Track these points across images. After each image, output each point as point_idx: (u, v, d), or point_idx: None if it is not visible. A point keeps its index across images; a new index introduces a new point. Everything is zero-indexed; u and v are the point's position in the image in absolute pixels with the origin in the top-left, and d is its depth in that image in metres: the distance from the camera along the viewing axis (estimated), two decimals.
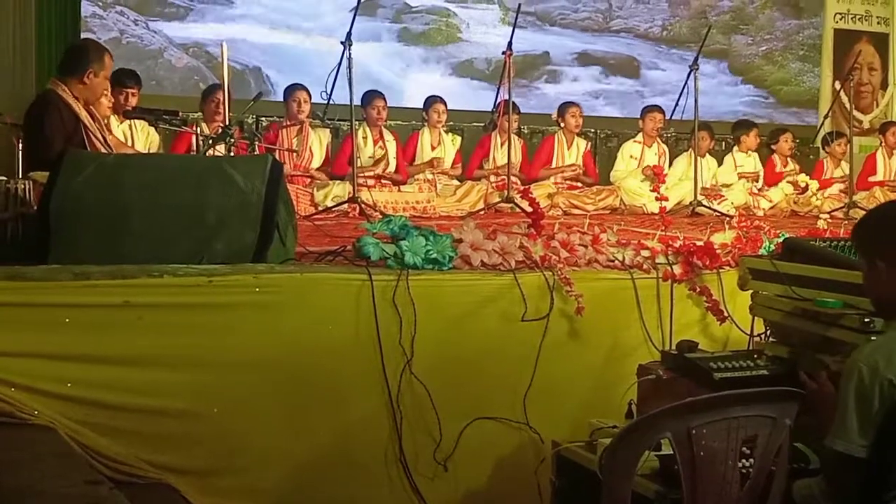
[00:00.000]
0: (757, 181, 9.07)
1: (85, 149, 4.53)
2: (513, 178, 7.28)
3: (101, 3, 8.32)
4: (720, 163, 9.09)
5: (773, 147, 9.40)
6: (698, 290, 4.54)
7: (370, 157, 7.62)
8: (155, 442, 3.43)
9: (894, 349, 2.65)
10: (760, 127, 9.69)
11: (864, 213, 3.13)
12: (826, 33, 11.24)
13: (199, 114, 7.17)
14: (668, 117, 8.38)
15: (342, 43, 6.31)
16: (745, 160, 9.14)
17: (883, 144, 9.61)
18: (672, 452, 2.70)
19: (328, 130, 7.55)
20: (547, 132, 8.95)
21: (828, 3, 11.22)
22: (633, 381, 3.77)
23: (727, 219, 6.19)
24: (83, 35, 7.68)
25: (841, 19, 11.27)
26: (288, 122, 7.40)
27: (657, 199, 5.37)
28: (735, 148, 9.21)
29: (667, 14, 10.77)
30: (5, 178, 3.92)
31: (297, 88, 7.40)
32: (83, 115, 4.64)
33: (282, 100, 7.52)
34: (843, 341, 3.23)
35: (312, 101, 7.27)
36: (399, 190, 7.57)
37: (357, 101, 6.82)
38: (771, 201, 8.83)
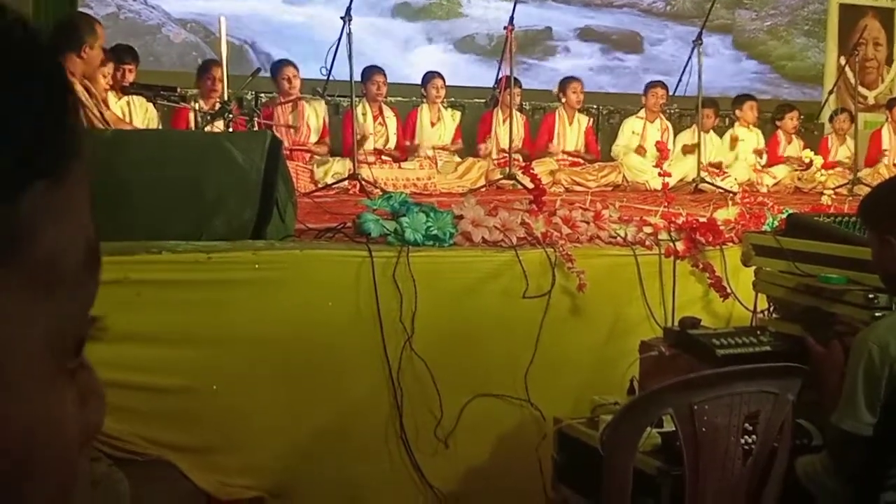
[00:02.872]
0: (761, 156, 9.03)
1: (82, 125, 4.50)
2: (514, 155, 7.25)
3: None
4: (721, 138, 9.06)
5: (778, 123, 9.35)
6: (701, 266, 4.51)
7: (370, 134, 7.58)
8: (154, 419, 3.42)
9: None
10: (765, 103, 9.64)
11: (869, 189, 3.10)
12: (831, 8, 11.18)
13: (197, 90, 7.12)
14: (671, 93, 8.34)
15: (342, 18, 6.27)
16: (748, 135, 9.09)
17: (889, 120, 9.56)
18: (674, 429, 2.68)
19: (323, 102, 7.49)
20: (549, 108, 8.91)
21: None
22: (635, 358, 3.75)
23: (730, 195, 6.17)
24: (80, 11, 7.62)
25: None
26: (281, 100, 7.34)
27: (660, 175, 5.34)
28: (736, 124, 9.17)
29: None
30: None
31: (283, 64, 7.33)
32: (80, 91, 4.61)
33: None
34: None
35: (310, 76, 7.21)
36: (399, 167, 7.54)
37: (357, 77, 6.78)
38: (775, 178, 8.80)
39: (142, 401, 3.40)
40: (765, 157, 9.08)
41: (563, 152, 8.36)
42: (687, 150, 8.55)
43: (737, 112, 9.11)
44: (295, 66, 7.26)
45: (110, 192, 3.62)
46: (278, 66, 7.37)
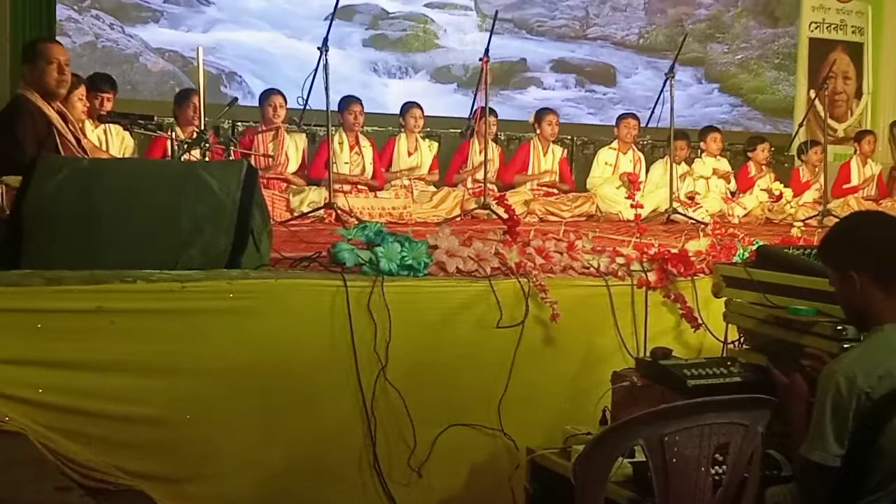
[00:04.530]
0: (729, 181, 9.12)
1: (58, 153, 4.49)
2: (489, 185, 7.28)
3: (76, 7, 8.27)
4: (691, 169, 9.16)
5: (750, 155, 9.45)
6: (673, 297, 4.55)
7: (346, 163, 7.60)
8: (127, 448, 3.41)
9: (872, 361, 2.67)
10: (736, 135, 9.73)
11: (836, 221, 3.15)
12: (801, 42, 11.34)
13: (174, 119, 7.11)
14: (644, 125, 8.40)
15: (319, 48, 6.31)
16: (717, 164, 9.19)
17: (857, 153, 9.69)
18: (645, 459, 2.70)
19: (304, 135, 7.54)
20: (524, 139, 8.96)
21: (803, 13, 11.34)
22: (608, 388, 3.76)
23: (702, 226, 6.22)
24: (58, 38, 7.62)
25: (816, 28, 11.37)
26: (263, 127, 7.38)
27: (632, 206, 5.38)
28: (703, 154, 9.26)
29: (643, 22, 10.82)
30: None
31: (272, 93, 7.39)
32: (55, 118, 4.60)
33: (257, 104, 7.50)
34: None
35: (289, 106, 7.25)
36: (375, 196, 7.55)
37: (333, 107, 6.81)
38: (745, 209, 8.88)
39: (114, 430, 3.39)
40: (733, 181, 9.18)
41: (539, 180, 8.40)
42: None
43: (702, 144, 9.23)
44: (283, 97, 7.30)
45: (86, 220, 3.63)
46: (267, 94, 7.41)
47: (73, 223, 3.62)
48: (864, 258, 2.78)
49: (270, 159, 7.25)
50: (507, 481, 3.99)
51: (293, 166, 7.47)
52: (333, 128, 6.94)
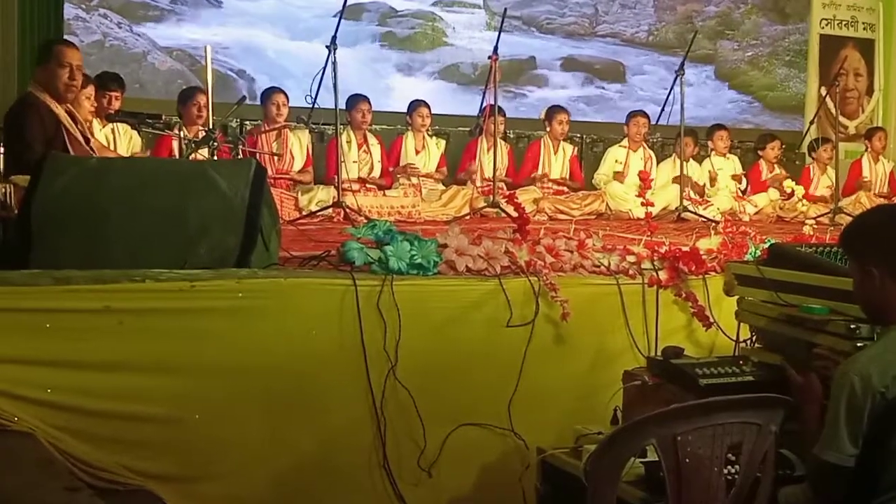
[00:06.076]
0: (740, 182, 9.10)
1: (67, 152, 4.49)
2: (498, 184, 7.26)
3: (84, 6, 8.27)
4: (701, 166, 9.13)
5: (760, 153, 9.42)
6: (684, 295, 4.52)
7: (354, 162, 7.58)
8: (136, 448, 3.39)
9: (887, 360, 2.64)
10: (747, 133, 9.67)
11: (850, 218, 3.12)
12: (812, 39, 11.29)
13: (178, 117, 7.10)
14: (654, 122, 8.37)
15: (327, 47, 6.30)
16: (724, 164, 9.16)
17: (868, 150, 9.65)
18: (657, 459, 2.68)
19: (307, 132, 7.52)
20: (533, 137, 8.94)
21: (814, 9, 11.29)
22: (619, 387, 3.75)
23: (713, 224, 6.20)
24: (66, 38, 7.62)
25: (827, 25, 11.32)
26: (266, 127, 7.37)
27: (643, 204, 5.36)
28: (712, 152, 9.23)
29: (653, 19, 10.79)
30: None
31: (274, 91, 7.39)
32: (64, 117, 4.60)
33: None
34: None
35: (296, 104, 7.23)
36: (384, 194, 7.54)
37: (342, 105, 6.80)
38: (756, 206, 8.85)
39: (124, 430, 3.38)
40: (745, 181, 9.15)
41: (549, 179, 8.38)
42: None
43: (709, 142, 9.20)
44: (285, 95, 7.32)
45: (94, 219, 3.62)
46: (269, 92, 7.42)
47: (81, 222, 3.61)
48: (886, 254, 2.75)
49: (276, 158, 7.24)
50: (517, 481, 3.96)
51: (298, 164, 7.47)
52: (341, 126, 6.93)
